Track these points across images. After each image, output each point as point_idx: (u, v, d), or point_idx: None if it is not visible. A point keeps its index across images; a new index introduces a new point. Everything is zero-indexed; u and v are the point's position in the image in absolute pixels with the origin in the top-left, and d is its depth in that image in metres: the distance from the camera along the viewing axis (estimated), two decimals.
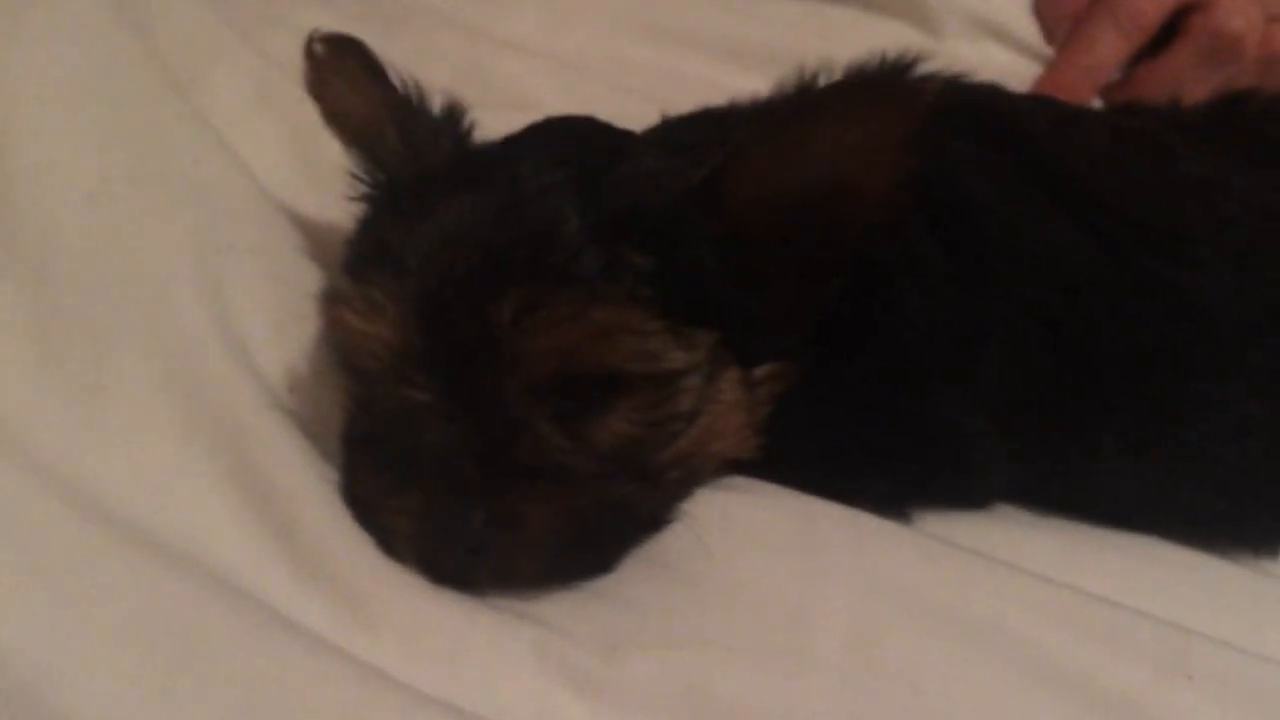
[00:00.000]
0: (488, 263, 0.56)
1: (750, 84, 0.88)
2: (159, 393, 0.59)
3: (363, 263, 0.60)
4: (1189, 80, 1.03)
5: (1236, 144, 0.74)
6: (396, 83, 0.67)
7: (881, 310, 0.64)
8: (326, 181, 0.84)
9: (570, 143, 0.64)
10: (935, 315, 0.65)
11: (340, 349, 0.62)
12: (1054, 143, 0.71)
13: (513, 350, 0.56)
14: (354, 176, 0.68)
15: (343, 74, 0.68)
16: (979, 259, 0.66)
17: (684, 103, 0.79)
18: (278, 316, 0.67)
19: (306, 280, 0.70)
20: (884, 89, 0.55)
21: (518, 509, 0.56)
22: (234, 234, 0.68)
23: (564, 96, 1.01)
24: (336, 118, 0.70)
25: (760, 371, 0.62)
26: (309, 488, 0.59)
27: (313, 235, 0.74)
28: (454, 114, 0.68)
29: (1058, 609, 0.58)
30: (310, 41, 0.70)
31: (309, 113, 0.88)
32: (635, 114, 0.76)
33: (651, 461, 0.59)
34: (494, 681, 0.54)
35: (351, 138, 0.69)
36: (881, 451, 0.66)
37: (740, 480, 0.64)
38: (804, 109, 0.56)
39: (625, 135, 0.68)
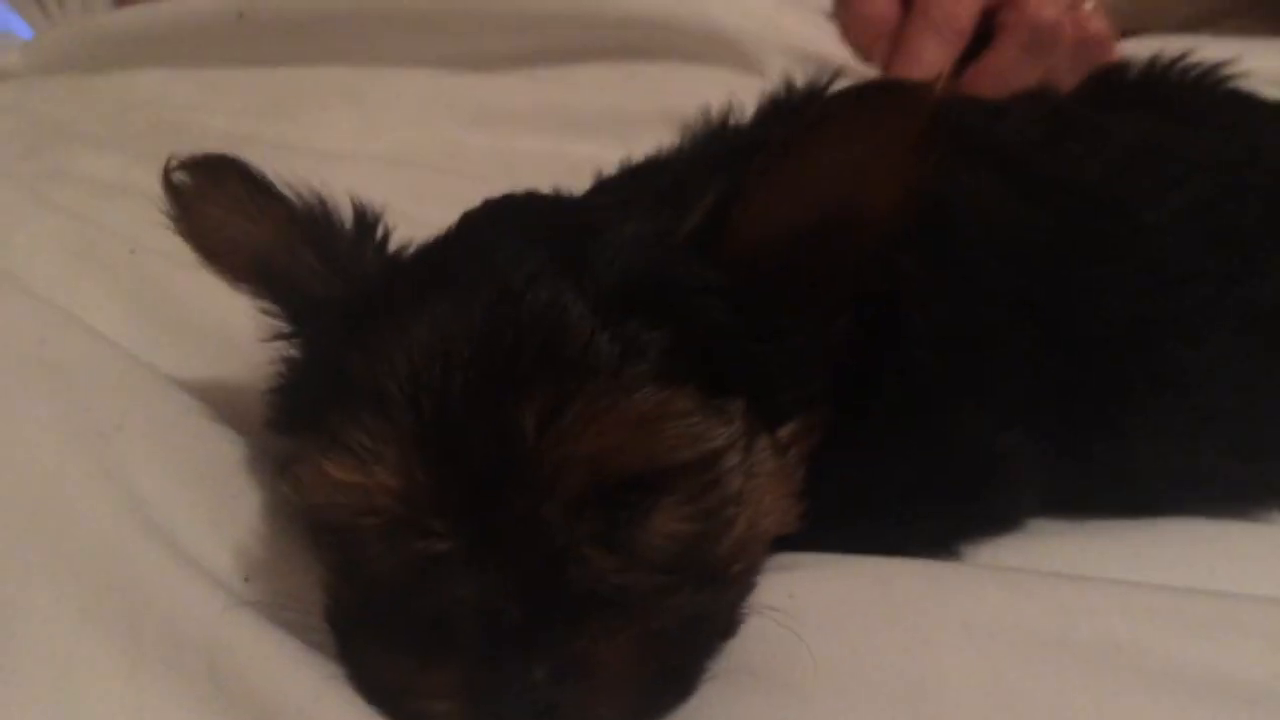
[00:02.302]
0: (493, 370, 0.47)
1: (595, 150, 0.84)
2: (85, 622, 0.48)
3: (323, 406, 0.50)
4: (1014, 73, 1.05)
5: (1154, 109, 0.74)
6: (291, 196, 0.58)
7: (886, 338, 0.59)
8: (186, 335, 0.73)
9: (530, 222, 0.56)
10: (937, 330, 0.61)
11: (314, 513, 0.51)
12: (994, 133, 0.69)
13: (545, 464, 0.47)
14: (266, 313, 0.58)
15: (220, 200, 0.58)
16: (959, 260, 0.63)
17: (533, 180, 0.70)
18: (203, 498, 0.56)
19: (221, 449, 0.60)
20: (888, 96, 0.50)
21: (585, 651, 0.47)
22: (117, 413, 0.57)
23: (408, 194, 0.93)
24: (219, 254, 0.59)
25: (785, 432, 0.56)
26: (312, 694, 0.48)
27: (202, 397, 0.63)
28: (365, 221, 0.59)
29: (1160, 611, 0.54)
30: (169, 171, 0.59)
31: (144, 263, 0.77)
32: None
33: (713, 557, 0.51)
34: None
35: (244, 271, 0.59)
36: (921, 488, 0.61)
37: (788, 558, 0.57)
38: (804, 132, 0.51)
39: (579, 203, 0.61)
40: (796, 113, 0.71)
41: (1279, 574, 0.60)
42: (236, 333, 0.60)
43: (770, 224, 0.52)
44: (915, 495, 0.61)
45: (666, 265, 0.52)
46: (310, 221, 0.57)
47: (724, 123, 0.72)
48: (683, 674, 0.50)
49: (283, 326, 0.58)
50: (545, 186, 0.68)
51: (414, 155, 1.02)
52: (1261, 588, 0.57)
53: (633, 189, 0.65)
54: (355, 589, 0.51)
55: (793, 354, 0.54)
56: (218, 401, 0.61)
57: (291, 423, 0.54)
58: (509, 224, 0.56)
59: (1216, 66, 0.85)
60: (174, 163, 0.59)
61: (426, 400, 0.47)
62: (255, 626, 0.50)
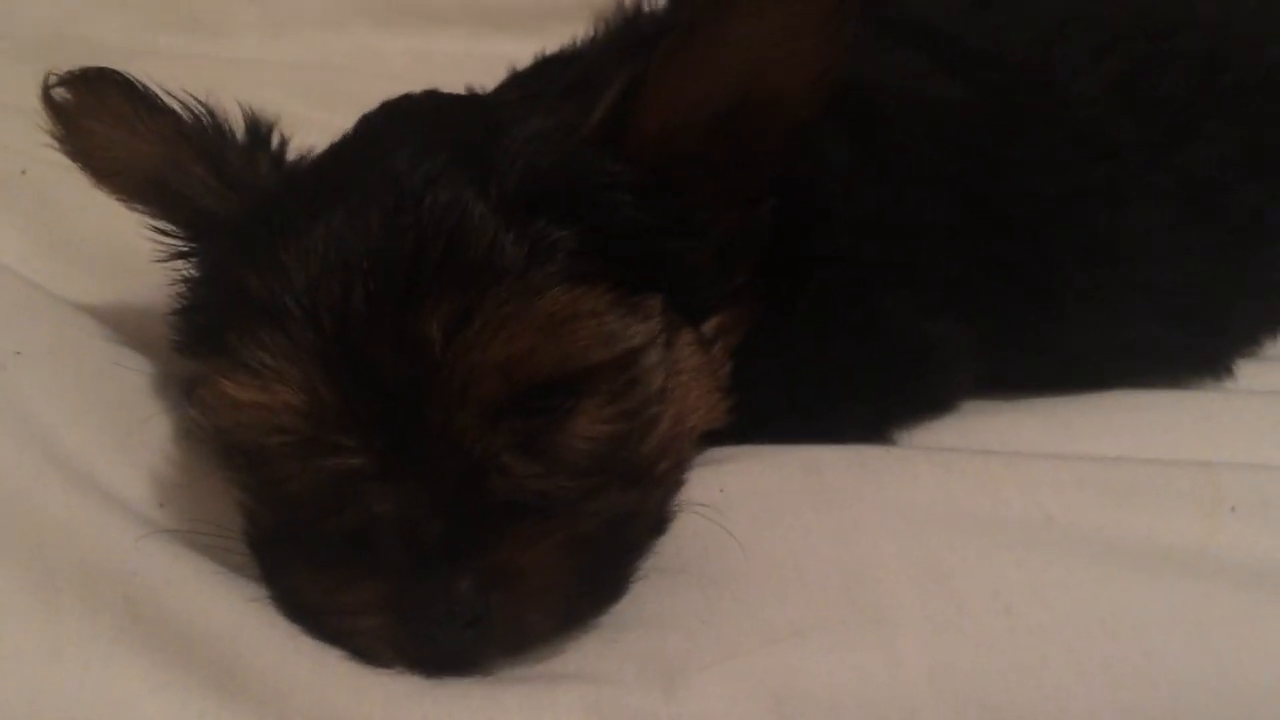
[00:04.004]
0: (395, 279, 0.45)
1: (513, 47, 0.80)
2: None
3: (224, 325, 0.48)
4: None
5: None
6: (179, 109, 0.55)
7: (810, 227, 0.58)
8: (85, 258, 0.70)
9: (431, 123, 0.54)
10: (862, 216, 0.60)
11: (222, 435, 0.50)
12: (914, 5, 0.67)
13: (455, 373, 0.46)
14: (163, 232, 0.56)
15: (103, 116, 0.55)
16: (882, 141, 0.61)
17: (451, 80, 0.67)
18: (110, 425, 0.55)
19: (126, 375, 0.58)
20: None
21: (510, 560, 0.46)
22: (14, 340, 0.55)
23: (318, 100, 0.89)
24: (109, 172, 0.57)
25: (710, 326, 0.55)
26: (234, 617, 0.48)
27: (103, 321, 0.61)
28: (258, 131, 0.56)
29: (1090, 482, 0.54)
30: (48, 88, 0.56)
31: (38, 184, 0.74)
32: None
33: (638, 457, 0.51)
34: None
35: (138, 189, 0.56)
36: (850, 375, 0.60)
37: (718, 452, 0.57)
38: (711, 9, 0.48)
39: (484, 101, 0.58)
40: None
41: (1207, 439, 0.60)
42: (137, 254, 0.58)
43: (679, 110, 0.50)
44: (846, 385, 0.60)
45: (572, 161, 0.50)
46: (200, 134, 0.54)
47: (638, 10, 0.69)
48: (612, 575, 0.49)
49: (180, 245, 0.56)
50: (462, 87, 0.65)
51: (324, 58, 0.98)
52: (1190, 453, 0.57)
53: (541, 83, 0.63)
54: (273, 510, 0.50)
55: (711, 246, 0.53)
56: (120, 325, 0.59)
57: (195, 344, 0.52)
58: (407, 126, 0.54)
59: None
60: (52, 79, 0.56)
61: (326, 314, 0.46)
62: (170, 553, 0.49)
